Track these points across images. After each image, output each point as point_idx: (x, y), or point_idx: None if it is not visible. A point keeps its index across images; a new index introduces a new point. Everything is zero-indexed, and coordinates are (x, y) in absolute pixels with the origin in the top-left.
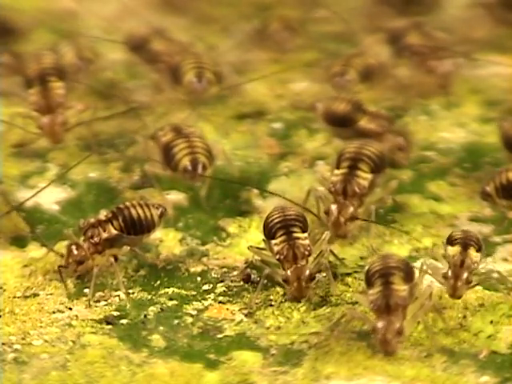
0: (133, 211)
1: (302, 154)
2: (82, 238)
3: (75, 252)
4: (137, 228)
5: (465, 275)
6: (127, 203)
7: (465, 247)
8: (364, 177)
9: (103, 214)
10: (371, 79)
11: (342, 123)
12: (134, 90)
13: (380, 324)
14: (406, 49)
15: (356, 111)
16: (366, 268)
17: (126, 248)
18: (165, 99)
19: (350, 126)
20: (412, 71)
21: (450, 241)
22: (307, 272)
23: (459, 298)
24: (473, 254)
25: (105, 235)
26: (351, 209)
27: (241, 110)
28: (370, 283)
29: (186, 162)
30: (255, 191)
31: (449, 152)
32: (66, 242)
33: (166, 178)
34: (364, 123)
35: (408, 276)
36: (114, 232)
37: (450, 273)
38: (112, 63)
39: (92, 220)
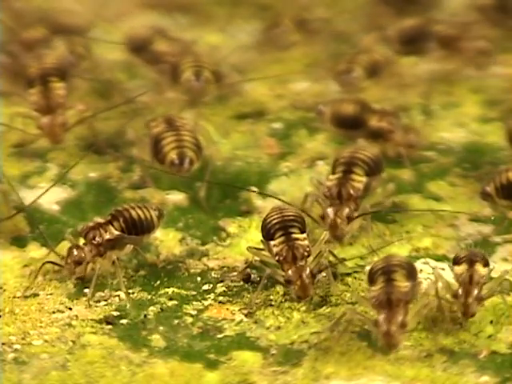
0: (132, 212)
1: (302, 153)
2: (83, 241)
3: (75, 253)
4: (137, 228)
5: (475, 292)
6: (125, 205)
7: (471, 263)
8: (358, 180)
9: (100, 218)
10: (378, 75)
11: (353, 125)
12: (134, 90)
13: (382, 317)
14: (434, 37)
15: (365, 111)
16: (369, 267)
17: (130, 247)
18: (164, 99)
19: (361, 127)
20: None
21: (456, 261)
22: (308, 270)
23: (472, 316)
24: (480, 269)
25: (107, 236)
26: (347, 210)
27: (241, 110)
28: (372, 281)
29: (172, 156)
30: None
31: (449, 152)
32: (66, 243)
33: (166, 177)
34: (374, 122)
35: (410, 274)
36: (116, 233)
37: (460, 291)
38: (112, 63)
39: (91, 223)
